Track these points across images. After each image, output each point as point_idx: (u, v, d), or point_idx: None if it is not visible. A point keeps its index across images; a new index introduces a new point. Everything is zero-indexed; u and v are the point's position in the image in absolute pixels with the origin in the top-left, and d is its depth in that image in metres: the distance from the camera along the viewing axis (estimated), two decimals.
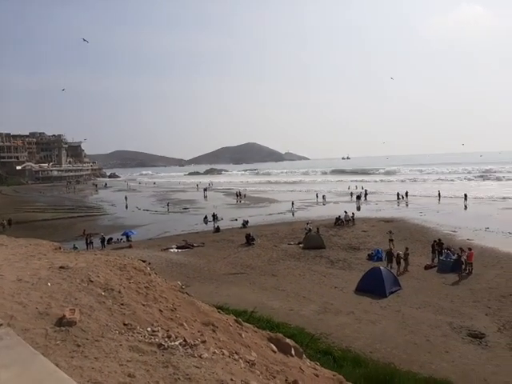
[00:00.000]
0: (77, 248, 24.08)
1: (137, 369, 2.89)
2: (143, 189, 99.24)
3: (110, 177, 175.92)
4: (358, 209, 44.83)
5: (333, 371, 5.13)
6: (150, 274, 5.27)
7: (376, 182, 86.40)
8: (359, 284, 17.91)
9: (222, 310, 12.31)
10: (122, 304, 4.24)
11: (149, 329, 3.88)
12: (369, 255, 23.69)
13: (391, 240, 24.77)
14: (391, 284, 17.47)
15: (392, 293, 17.17)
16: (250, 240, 28.16)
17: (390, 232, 26.00)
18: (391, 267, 20.73)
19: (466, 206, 43.76)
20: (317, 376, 4.22)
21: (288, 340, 4.75)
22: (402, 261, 20.49)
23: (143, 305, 4.37)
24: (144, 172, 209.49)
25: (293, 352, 4.58)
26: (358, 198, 52.14)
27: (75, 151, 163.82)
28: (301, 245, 26.99)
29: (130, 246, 28.16)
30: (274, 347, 4.45)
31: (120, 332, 3.67)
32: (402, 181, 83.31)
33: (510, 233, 27.89)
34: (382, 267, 18.47)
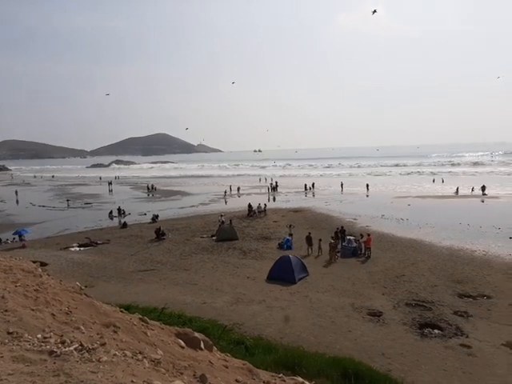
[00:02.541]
0: None
1: (20, 382, 2.52)
2: (39, 183, 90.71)
3: None
4: (274, 199, 46.59)
5: (244, 360, 5.10)
6: (40, 276, 4.71)
7: (285, 176, 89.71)
8: (270, 272, 18.42)
9: (131, 309, 11.79)
10: (5, 310, 3.71)
11: (39, 335, 3.45)
12: (279, 244, 24.49)
13: (291, 234, 25.81)
14: (299, 271, 18.26)
15: (301, 279, 17.97)
16: (160, 235, 27.33)
17: (290, 226, 27.00)
18: (311, 250, 22.65)
19: (367, 195, 47.70)
20: (226, 367, 4.14)
21: (197, 334, 4.60)
22: (331, 248, 21.40)
23: (32, 310, 3.87)
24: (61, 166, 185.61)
25: (202, 345, 4.44)
26: (274, 189, 54.31)
27: None
28: (214, 237, 26.94)
29: (23, 246, 25.47)
30: (183, 343, 4.26)
31: (3, 342, 3.20)
32: (315, 174, 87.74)
33: (402, 219, 30.95)
34: (290, 255, 19.19)
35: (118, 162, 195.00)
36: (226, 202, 46.70)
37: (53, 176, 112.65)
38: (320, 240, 22.59)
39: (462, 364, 10.43)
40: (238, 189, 56.36)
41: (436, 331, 12.63)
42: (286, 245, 24.04)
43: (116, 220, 37.01)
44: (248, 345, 10.63)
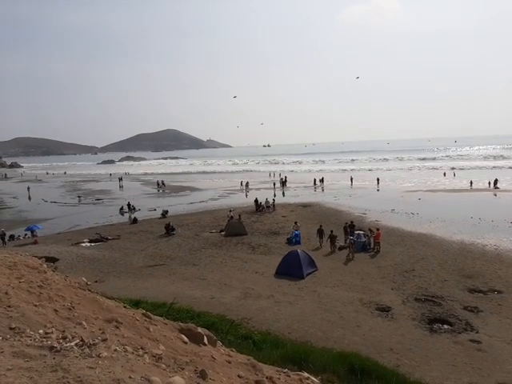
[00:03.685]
0: None
1: (18, 377, 2.53)
2: (50, 179, 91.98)
3: (10, 166, 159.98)
4: (283, 194, 46.62)
5: (248, 356, 5.09)
6: (45, 272, 4.75)
7: (294, 171, 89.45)
8: (278, 267, 18.40)
9: (140, 304, 11.87)
10: (8, 306, 3.75)
11: (41, 331, 3.48)
12: (287, 239, 24.42)
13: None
14: (308, 265, 18.21)
15: (309, 274, 17.92)
16: (169, 230, 27.48)
17: (295, 223, 26.71)
18: (322, 243, 22.96)
19: (378, 190, 47.31)
20: (229, 362, 4.13)
21: (200, 329, 4.59)
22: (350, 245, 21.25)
23: (35, 305, 3.91)
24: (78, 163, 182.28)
25: (205, 341, 4.43)
26: (283, 184, 54.40)
27: None
28: (223, 232, 26.99)
29: (35, 242, 25.84)
30: (185, 338, 4.26)
31: (4, 337, 3.23)
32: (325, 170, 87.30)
33: (412, 213, 30.63)
34: (299, 250, 19.14)
35: (128, 158, 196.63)
36: (246, 196, 47.20)
37: (65, 172, 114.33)
38: (333, 235, 22.59)
39: (472, 359, 10.31)
40: (247, 184, 56.30)
41: (445, 326, 12.50)
42: (294, 239, 23.98)
43: (126, 216, 37.31)
44: (256, 340, 10.63)
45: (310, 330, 12.26)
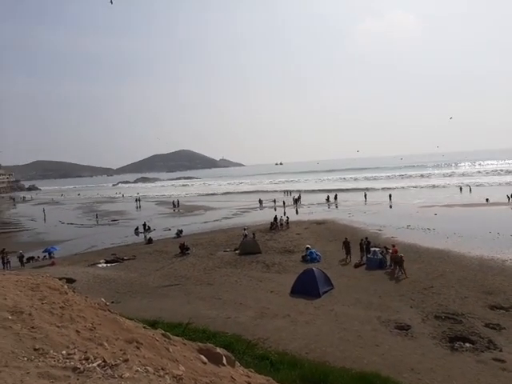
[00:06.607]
0: None
1: None
2: (67, 201, 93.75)
3: (29, 189, 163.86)
4: (296, 212, 46.59)
5: (267, 376, 5.07)
6: (66, 293, 4.85)
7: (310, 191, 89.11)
8: (294, 286, 18.22)
9: (157, 325, 11.88)
10: (32, 327, 3.83)
11: (64, 352, 3.54)
12: (302, 257, 24.26)
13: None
14: (324, 284, 18.00)
15: (325, 292, 17.68)
16: (184, 250, 27.57)
17: (307, 248, 26.09)
18: (350, 258, 23.07)
19: (391, 206, 46.88)
20: (248, 383, 4.13)
21: (219, 349, 4.61)
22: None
23: (58, 326, 3.98)
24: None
25: (224, 361, 4.44)
26: (296, 201, 54.40)
27: None
28: (237, 251, 26.95)
29: (52, 263, 26.20)
30: (205, 358, 4.28)
31: (29, 358, 3.30)
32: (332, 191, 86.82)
33: (428, 229, 30.18)
34: (314, 268, 18.96)
35: (143, 179, 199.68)
36: (274, 209, 47.82)
37: (78, 194, 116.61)
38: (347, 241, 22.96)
39: (496, 379, 9.96)
40: (261, 202, 56.52)
41: (467, 345, 12.14)
42: (309, 257, 23.79)
43: (141, 236, 37.64)
44: (273, 360, 10.47)
45: (327, 350, 12.04)
